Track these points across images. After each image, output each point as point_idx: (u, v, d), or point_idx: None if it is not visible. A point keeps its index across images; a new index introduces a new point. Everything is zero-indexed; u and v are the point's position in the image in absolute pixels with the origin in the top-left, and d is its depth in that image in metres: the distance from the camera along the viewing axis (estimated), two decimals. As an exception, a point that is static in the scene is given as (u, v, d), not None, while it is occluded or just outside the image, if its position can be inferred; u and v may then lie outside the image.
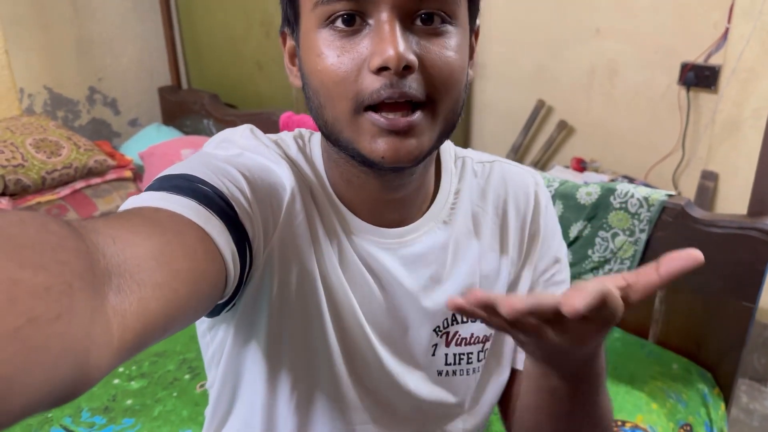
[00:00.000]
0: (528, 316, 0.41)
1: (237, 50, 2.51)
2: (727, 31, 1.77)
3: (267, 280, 0.56)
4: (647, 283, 0.40)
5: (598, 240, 1.36)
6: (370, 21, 0.48)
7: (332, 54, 0.49)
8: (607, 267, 1.35)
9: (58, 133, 2.06)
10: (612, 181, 1.95)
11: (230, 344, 0.61)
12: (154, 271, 0.37)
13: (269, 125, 1.98)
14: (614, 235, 1.33)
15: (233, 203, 0.50)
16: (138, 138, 2.49)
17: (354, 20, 0.49)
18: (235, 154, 0.57)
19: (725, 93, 1.80)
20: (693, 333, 1.29)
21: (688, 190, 1.97)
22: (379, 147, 0.50)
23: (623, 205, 1.31)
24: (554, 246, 0.70)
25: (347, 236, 0.59)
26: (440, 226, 0.62)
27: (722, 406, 1.25)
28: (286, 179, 0.56)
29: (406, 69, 0.47)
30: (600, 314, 0.39)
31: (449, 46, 0.50)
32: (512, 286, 0.68)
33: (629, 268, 1.32)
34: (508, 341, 0.70)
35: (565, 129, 2.24)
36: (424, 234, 0.62)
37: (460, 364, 0.66)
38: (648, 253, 1.30)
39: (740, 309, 1.19)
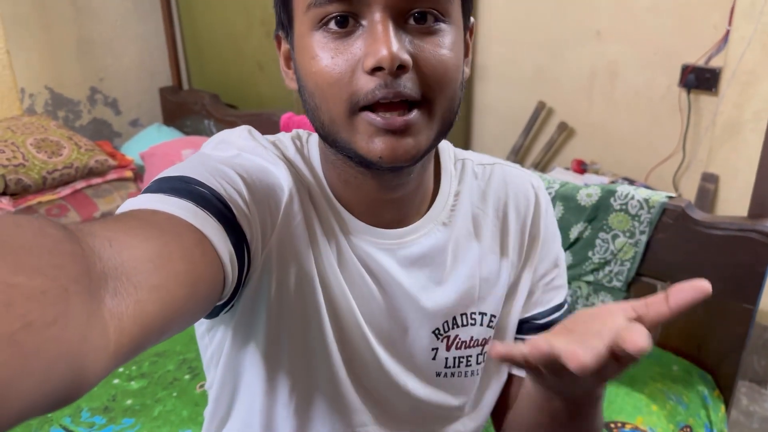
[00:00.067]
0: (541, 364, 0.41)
1: (238, 50, 2.51)
2: (727, 33, 1.77)
3: (265, 281, 0.56)
4: (657, 314, 0.42)
5: (598, 241, 1.36)
6: (363, 22, 0.48)
7: (326, 56, 0.49)
8: (607, 268, 1.36)
9: (59, 133, 2.06)
10: (612, 182, 1.95)
11: (229, 345, 0.61)
12: (151, 274, 0.37)
13: (270, 126, 1.98)
14: (614, 237, 1.33)
15: (231, 205, 0.49)
16: (139, 138, 2.49)
17: (347, 21, 0.49)
18: (233, 155, 0.56)
19: (726, 95, 1.80)
20: (693, 335, 1.29)
21: (689, 192, 1.97)
22: (377, 147, 0.50)
23: (624, 207, 1.31)
24: (554, 250, 0.70)
25: (345, 237, 0.59)
26: (439, 228, 0.62)
27: (722, 408, 1.25)
28: (283, 180, 0.56)
29: (401, 68, 0.47)
30: (607, 369, 0.39)
31: (443, 45, 0.50)
32: (512, 289, 0.68)
33: (629, 270, 1.32)
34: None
35: (565, 131, 2.24)
36: (423, 235, 0.61)
37: (459, 366, 0.66)
38: (648, 255, 1.30)
39: (740, 311, 1.19)
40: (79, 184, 2.02)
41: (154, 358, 1.36)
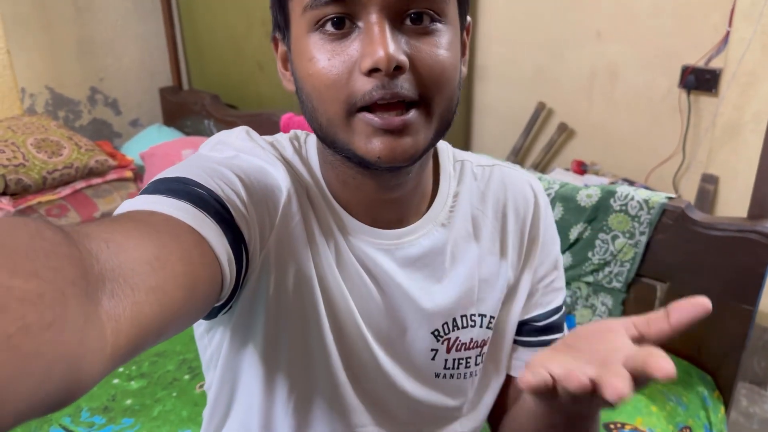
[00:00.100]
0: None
1: (238, 50, 2.51)
2: (727, 34, 1.77)
3: (264, 282, 0.56)
4: (659, 332, 0.42)
5: (598, 242, 1.36)
6: (360, 23, 0.48)
7: (323, 57, 0.49)
8: (607, 269, 1.36)
9: (59, 133, 2.06)
10: (612, 183, 1.95)
11: (227, 346, 0.61)
12: (148, 275, 0.37)
13: (270, 126, 1.98)
14: (614, 238, 1.33)
15: (229, 206, 0.49)
16: (139, 138, 2.49)
17: (343, 23, 0.49)
18: (231, 156, 0.56)
19: (726, 96, 1.80)
20: (693, 336, 1.29)
21: (689, 193, 1.97)
22: (375, 147, 0.50)
23: (623, 208, 1.31)
24: (554, 251, 0.70)
25: (344, 237, 0.59)
26: (438, 229, 0.62)
27: (722, 409, 1.25)
28: (282, 181, 0.56)
29: (397, 69, 0.47)
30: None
31: (440, 45, 0.50)
32: (511, 291, 0.68)
33: (629, 271, 1.32)
34: (505, 346, 0.70)
35: (565, 131, 2.24)
36: (421, 236, 0.61)
37: (458, 368, 0.66)
38: (648, 256, 1.30)
39: (740, 312, 1.19)
40: (79, 184, 2.02)
41: (154, 358, 1.36)
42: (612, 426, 1.11)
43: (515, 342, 0.71)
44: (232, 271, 0.48)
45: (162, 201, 0.46)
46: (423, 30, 0.50)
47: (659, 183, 2.04)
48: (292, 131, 0.64)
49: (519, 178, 0.68)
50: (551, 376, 0.41)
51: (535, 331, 0.70)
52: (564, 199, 1.39)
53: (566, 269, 1.41)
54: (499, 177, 0.67)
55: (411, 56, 0.49)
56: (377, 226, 0.60)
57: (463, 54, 0.56)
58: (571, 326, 1.41)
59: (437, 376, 0.66)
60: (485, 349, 0.67)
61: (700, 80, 1.85)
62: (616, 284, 1.35)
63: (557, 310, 0.71)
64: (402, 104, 0.49)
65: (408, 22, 0.49)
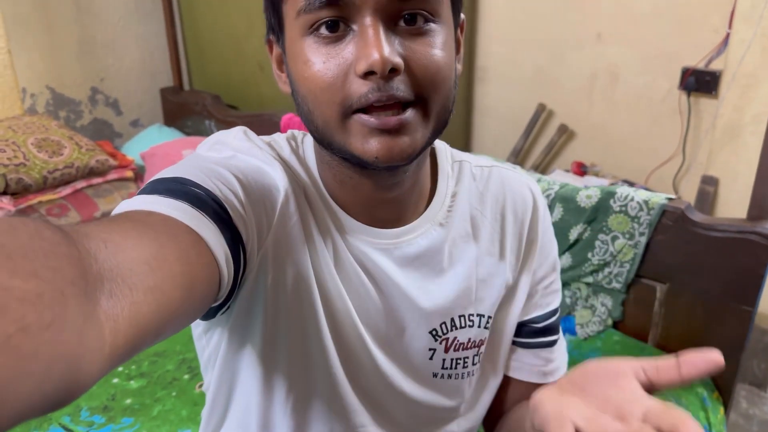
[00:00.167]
0: None
1: (239, 50, 2.51)
2: (727, 36, 1.78)
3: (261, 282, 0.56)
4: (668, 382, 0.42)
5: (598, 243, 1.36)
6: (354, 26, 0.49)
7: (318, 61, 0.49)
8: (606, 270, 1.36)
9: (60, 132, 2.07)
10: (612, 185, 1.95)
11: (225, 347, 0.61)
12: (146, 275, 0.37)
13: (271, 126, 1.99)
14: (614, 238, 1.33)
15: (226, 206, 0.49)
16: (139, 139, 2.49)
17: (338, 26, 0.49)
18: (228, 156, 0.56)
19: (726, 98, 1.80)
20: (692, 336, 1.29)
21: (689, 194, 1.97)
22: (372, 147, 0.50)
23: (623, 209, 1.32)
24: (553, 253, 0.71)
25: (342, 237, 0.59)
26: (436, 228, 0.62)
27: (721, 410, 1.25)
28: (279, 181, 0.56)
29: (393, 72, 0.47)
30: None
31: (434, 45, 0.50)
32: (510, 292, 0.68)
33: (629, 271, 1.32)
34: (503, 346, 0.70)
35: (565, 133, 2.24)
36: (419, 235, 0.61)
37: (456, 368, 0.66)
38: (648, 256, 1.30)
39: (739, 312, 1.19)
40: (80, 184, 2.02)
41: (153, 358, 1.36)
42: None
43: (514, 343, 0.71)
44: (230, 271, 0.48)
45: (160, 201, 0.46)
46: (417, 31, 0.50)
47: (659, 184, 2.04)
48: (289, 131, 0.64)
49: (517, 180, 0.68)
50: (576, 429, 0.41)
51: (533, 333, 0.70)
52: (564, 199, 1.39)
53: (566, 270, 1.41)
54: (498, 178, 0.67)
55: (406, 57, 0.49)
56: (375, 226, 0.60)
57: (457, 52, 0.57)
58: (570, 327, 1.41)
59: (435, 375, 0.66)
60: (482, 349, 0.67)
61: (700, 82, 1.85)
62: (615, 285, 1.35)
63: (555, 311, 0.71)
64: (398, 104, 0.49)
65: (402, 23, 0.49)
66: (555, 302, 0.71)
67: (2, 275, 0.27)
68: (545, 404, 0.45)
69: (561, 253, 1.40)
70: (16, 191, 1.87)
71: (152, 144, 2.33)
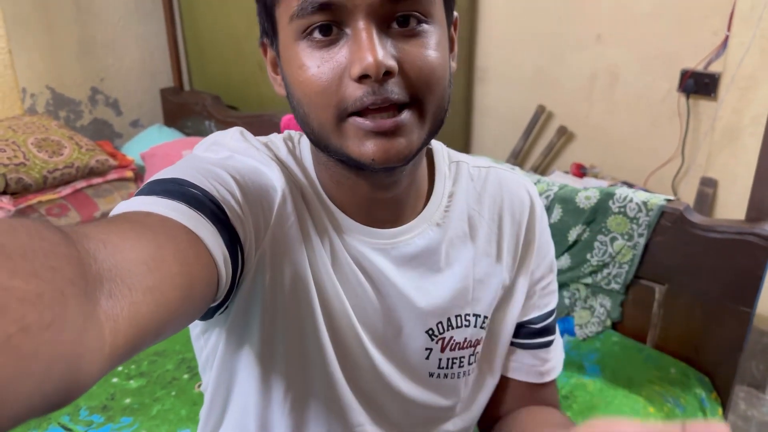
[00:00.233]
0: None
1: (239, 51, 2.51)
2: (727, 38, 1.78)
3: (259, 282, 0.56)
4: None
5: (596, 244, 1.36)
6: (347, 30, 0.49)
7: (313, 65, 0.50)
8: (605, 271, 1.36)
9: (60, 132, 2.07)
10: (611, 186, 1.95)
11: (223, 347, 0.61)
12: (145, 276, 0.37)
13: (270, 127, 1.99)
14: (613, 240, 1.34)
15: (224, 206, 0.50)
16: (139, 139, 2.50)
17: (331, 30, 0.49)
18: (226, 156, 0.57)
19: (725, 100, 1.80)
20: (691, 337, 1.29)
21: (688, 196, 1.97)
22: (368, 149, 0.50)
23: (622, 210, 1.32)
24: (550, 255, 0.71)
25: (339, 237, 0.59)
26: (433, 228, 0.63)
27: (719, 410, 1.25)
28: (276, 181, 0.56)
29: (387, 75, 0.48)
30: None
31: (428, 46, 0.51)
32: (507, 293, 0.68)
33: (628, 273, 1.32)
34: (500, 347, 0.70)
35: (565, 134, 2.25)
36: (416, 235, 0.62)
37: (452, 368, 0.66)
38: (646, 258, 1.30)
39: (738, 314, 1.19)
40: (80, 184, 2.02)
41: (153, 358, 1.36)
42: None
43: (512, 344, 0.71)
44: (228, 271, 0.49)
45: (157, 202, 0.46)
46: (410, 32, 0.50)
47: (658, 186, 2.05)
48: (285, 131, 0.65)
49: (515, 181, 0.69)
50: None
51: (531, 334, 0.71)
52: (563, 200, 1.39)
53: (565, 271, 1.41)
54: (496, 179, 0.68)
55: (400, 59, 0.49)
56: (372, 226, 0.60)
57: (451, 50, 0.57)
58: (569, 328, 1.42)
59: (431, 375, 0.66)
60: (478, 348, 0.67)
61: (700, 84, 1.86)
62: (614, 286, 1.35)
63: (552, 312, 0.72)
64: (394, 106, 0.50)
65: (395, 25, 0.49)
66: (552, 303, 0.72)
67: (2, 275, 0.27)
68: None
69: (560, 254, 1.41)
70: (16, 191, 1.87)
71: (152, 144, 2.33)
